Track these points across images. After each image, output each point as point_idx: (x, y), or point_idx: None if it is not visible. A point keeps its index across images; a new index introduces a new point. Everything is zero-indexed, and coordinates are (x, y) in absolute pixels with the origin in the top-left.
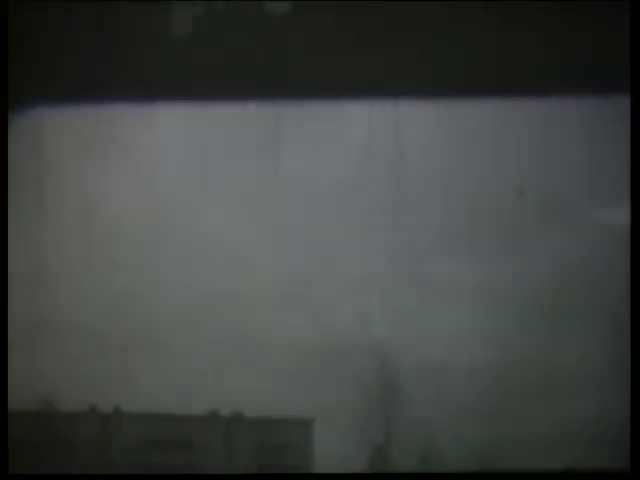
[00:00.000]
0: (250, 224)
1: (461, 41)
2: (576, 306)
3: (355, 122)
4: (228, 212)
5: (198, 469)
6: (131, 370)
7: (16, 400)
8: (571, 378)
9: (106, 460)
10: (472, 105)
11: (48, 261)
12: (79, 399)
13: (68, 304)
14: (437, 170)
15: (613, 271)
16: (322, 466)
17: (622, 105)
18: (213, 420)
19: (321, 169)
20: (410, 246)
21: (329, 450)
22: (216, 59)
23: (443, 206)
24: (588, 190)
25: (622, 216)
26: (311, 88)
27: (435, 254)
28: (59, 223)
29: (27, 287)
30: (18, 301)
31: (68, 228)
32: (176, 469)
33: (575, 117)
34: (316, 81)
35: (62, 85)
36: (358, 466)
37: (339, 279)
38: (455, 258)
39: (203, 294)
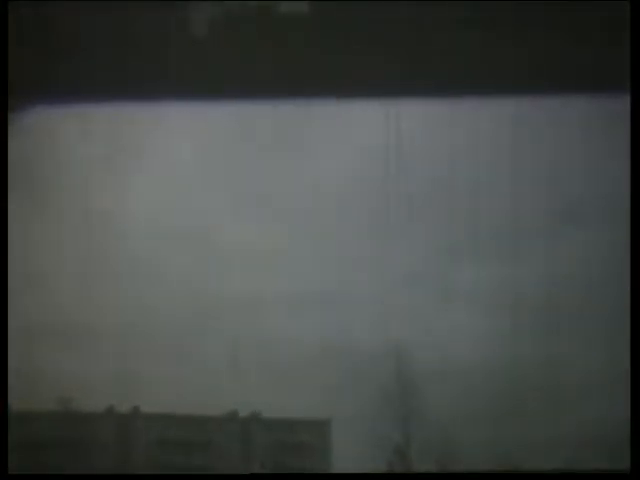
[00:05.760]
0: (264, 225)
1: (463, 42)
2: (598, 309)
3: (368, 122)
4: (241, 212)
5: (216, 469)
6: (149, 372)
7: (35, 401)
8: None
9: (124, 460)
10: (472, 105)
11: (56, 263)
12: (97, 400)
13: (84, 306)
14: (439, 172)
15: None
16: (340, 466)
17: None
18: (231, 421)
19: (340, 168)
20: (421, 250)
21: (347, 450)
22: (228, 59)
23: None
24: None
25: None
26: (323, 88)
27: (446, 258)
28: (63, 224)
29: (39, 290)
30: (33, 304)
31: (72, 229)
32: (194, 469)
33: (575, 117)
34: (328, 81)
35: (63, 85)
36: (376, 466)
37: (356, 281)
38: (470, 262)
39: (220, 296)
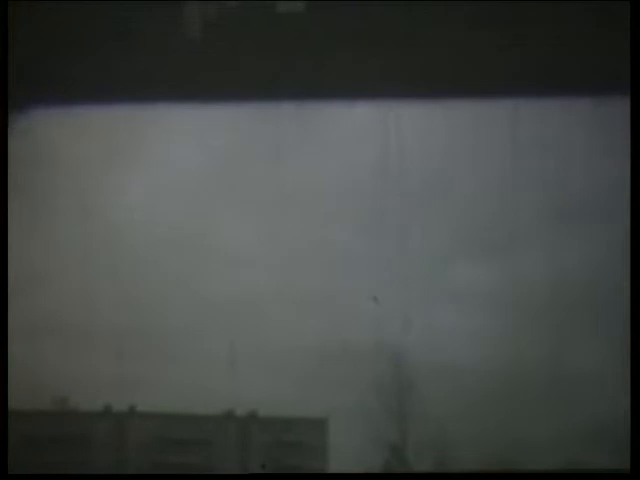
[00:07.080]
0: (261, 225)
1: (463, 42)
2: (591, 311)
3: (365, 124)
4: (239, 216)
5: (213, 469)
6: (146, 370)
7: (31, 400)
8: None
9: (121, 460)
10: (472, 107)
11: (54, 263)
12: (94, 399)
13: (81, 304)
14: (437, 172)
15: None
16: (337, 466)
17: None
18: (228, 420)
19: (339, 169)
20: (419, 251)
21: (344, 450)
22: (226, 60)
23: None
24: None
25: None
26: (322, 89)
27: (445, 258)
28: (62, 225)
29: (38, 288)
30: (31, 301)
31: (71, 230)
32: (191, 469)
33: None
34: (327, 82)
35: (63, 86)
36: (373, 466)
37: (351, 281)
38: (468, 262)
39: (217, 296)
